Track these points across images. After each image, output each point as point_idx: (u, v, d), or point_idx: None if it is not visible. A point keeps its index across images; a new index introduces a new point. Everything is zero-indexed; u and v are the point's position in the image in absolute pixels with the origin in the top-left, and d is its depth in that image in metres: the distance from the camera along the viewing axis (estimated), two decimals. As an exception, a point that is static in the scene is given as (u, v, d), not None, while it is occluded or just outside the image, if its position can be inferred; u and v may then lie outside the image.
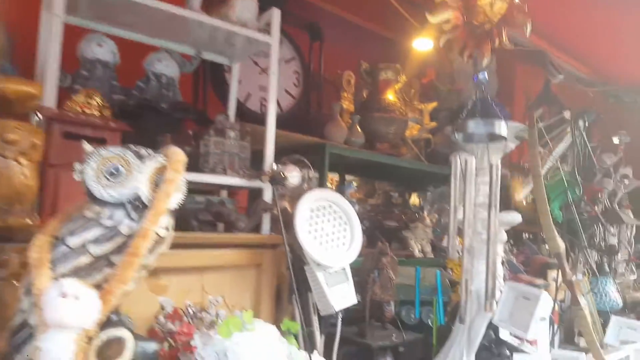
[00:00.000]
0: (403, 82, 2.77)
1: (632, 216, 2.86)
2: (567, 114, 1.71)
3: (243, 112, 2.22)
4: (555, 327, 2.23)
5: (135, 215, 0.92)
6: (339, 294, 1.66)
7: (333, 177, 3.23)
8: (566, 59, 3.96)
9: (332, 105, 2.40)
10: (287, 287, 1.83)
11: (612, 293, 2.61)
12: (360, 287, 1.93)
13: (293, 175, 1.70)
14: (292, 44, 2.38)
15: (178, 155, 0.95)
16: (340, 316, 1.65)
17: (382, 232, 2.59)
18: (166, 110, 1.60)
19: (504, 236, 1.79)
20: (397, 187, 3.30)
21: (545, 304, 1.33)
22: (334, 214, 1.73)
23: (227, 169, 1.75)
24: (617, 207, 3.11)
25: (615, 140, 3.31)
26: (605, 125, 3.79)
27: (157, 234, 0.92)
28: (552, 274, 2.21)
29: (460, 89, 3.09)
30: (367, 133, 2.55)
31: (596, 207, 2.85)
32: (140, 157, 0.94)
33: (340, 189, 2.59)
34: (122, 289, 0.88)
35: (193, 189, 1.87)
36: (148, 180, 0.93)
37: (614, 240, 2.74)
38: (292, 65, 2.40)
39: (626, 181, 3.11)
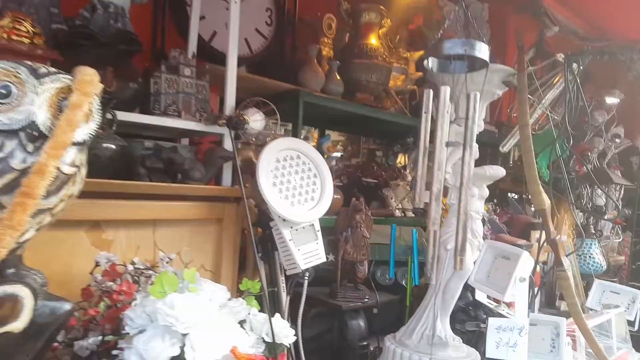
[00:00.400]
0: (388, 27, 2.55)
1: (621, 177, 2.74)
2: (560, 56, 1.53)
3: (208, 52, 2.00)
4: (536, 289, 2.14)
5: (32, 147, 0.73)
6: (306, 252, 1.51)
7: (314, 132, 3.05)
8: (561, 10, 3.74)
9: (308, 48, 2.18)
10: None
11: (597, 256, 2.52)
12: (333, 246, 1.79)
13: (255, 119, 1.52)
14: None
15: (87, 74, 0.76)
16: (306, 276, 1.51)
17: (361, 189, 2.43)
18: (106, 40, 1.39)
19: (485, 192, 1.64)
20: (382, 144, 3.14)
21: (525, 265, 1.20)
22: (303, 166, 1.56)
23: (182, 111, 1.56)
24: (606, 167, 2.99)
25: (610, 100, 3.15)
26: (597, 82, 3.65)
27: (60, 170, 0.74)
28: (536, 235, 2.09)
29: (450, 37, 2.87)
30: (346, 81, 2.34)
31: (584, 166, 2.72)
32: (37, 74, 0.74)
33: (318, 142, 2.41)
34: (14, 236, 0.70)
35: (148, 135, 1.68)
36: (48, 104, 0.74)
37: (601, 202, 2.62)
38: (263, 2, 2.16)
39: (617, 140, 2.97)
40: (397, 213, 2.44)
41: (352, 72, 2.35)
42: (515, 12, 3.50)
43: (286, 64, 2.21)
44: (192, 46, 1.82)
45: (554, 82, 1.57)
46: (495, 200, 2.48)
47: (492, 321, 1.20)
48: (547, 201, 1.49)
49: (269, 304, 1.66)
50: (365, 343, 1.77)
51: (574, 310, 1.50)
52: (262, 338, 1.27)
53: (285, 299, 1.56)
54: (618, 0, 3.56)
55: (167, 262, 1.37)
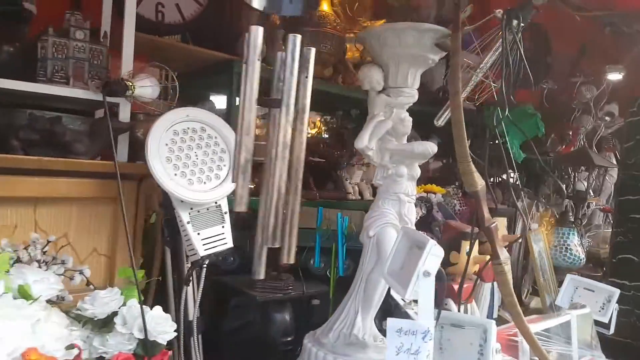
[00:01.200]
0: (347, -6, 2.33)
1: (614, 160, 2.47)
2: (498, 12, 1.30)
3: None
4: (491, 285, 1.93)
5: None
6: (208, 237, 1.34)
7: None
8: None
9: (248, 14, 1.98)
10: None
11: (575, 247, 2.28)
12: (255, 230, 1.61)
13: (143, 85, 1.33)
14: None
15: None
16: (205, 263, 1.33)
17: (313, 170, 2.23)
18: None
19: (416, 171, 1.43)
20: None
21: (432, 257, 1.00)
22: (208, 140, 1.37)
23: (71, 78, 1.38)
24: (594, 148, 2.73)
25: (612, 76, 2.86)
26: (595, 56, 3.34)
27: None
28: (493, 221, 1.87)
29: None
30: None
31: (563, 146, 2.47)
32: None
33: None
34: None
35: (37, 104, 1.51)
36: None
37: (581, 186, 2.37)
38: (198, -36, 1.97)
39: (607, 118, 2.70)
40: (352, 196, 2.25)
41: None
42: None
43: (224, 33, 2.01)
44: (107, 12, 1.63)
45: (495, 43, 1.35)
46: (457, 183, 2.25)
47: (391, 322, 1.01)
48: (479, 181, 1.28)
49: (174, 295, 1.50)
50: (289, 339, 1.60)
51: (512, 310, 1.29)
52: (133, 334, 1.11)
53: (184, 288, 1.38)
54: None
55: (38, 244, 1.21)
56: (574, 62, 3.62)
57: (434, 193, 2.17)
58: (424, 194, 1.95)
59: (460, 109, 1.28)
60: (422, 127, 2.95)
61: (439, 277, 1.02)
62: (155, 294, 1.50)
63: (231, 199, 1.42)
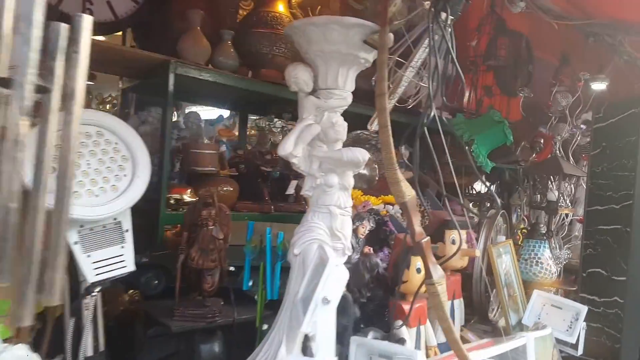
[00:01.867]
0: (301, -5, 2.21)
1: (575, 167, 2.34)
2: (426, 4, 1.17)
3: (56, 18, 1.68)
4: (457, 302, 1.78)
5: None
6: (101, 260, 1.19)
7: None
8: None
9: (189, 13, 1.85)
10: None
11: (546, 260, 2.13)
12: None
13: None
14: None
15: None
16: (94, 292, 1.19)
17: (268, 180, 2.10)
18: None
19: (348, 181, 1.30)
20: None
21: (333, 280, 0.86)
22: (106, 146, 1.24)
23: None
24: (570, 157, 2.60)
25: (596, 86, 2.74)
26: (578, 66, 3.23)
27: None
28: (452, 234, 1.73)
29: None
30: (244, 54, 2.01)
31: (534, 155, 2.34)
32: None
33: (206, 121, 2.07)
34: None
35: None
36: None
37: (553, 196, 2.23)
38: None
39: (583, 127, 2.57)
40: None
41: (250, 43, 2.01)
42: (475, -16, 3.10)
43: (165, 33, 1.88)
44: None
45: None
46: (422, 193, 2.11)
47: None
48: (408, 192, 1.14)
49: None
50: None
51: (449, 336, 1.15)
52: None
53: (68, 316, 1.22)
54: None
55: None
56: (556, 71, 3.52)
57: (392, 204, 2.03)
58: (375, 207, 1.81)
59: (385, 112, 1.15)
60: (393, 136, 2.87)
61: (343, 306, 0.88)
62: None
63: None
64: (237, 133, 2.44)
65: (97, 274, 1.17)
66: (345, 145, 2.42)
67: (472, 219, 1.90)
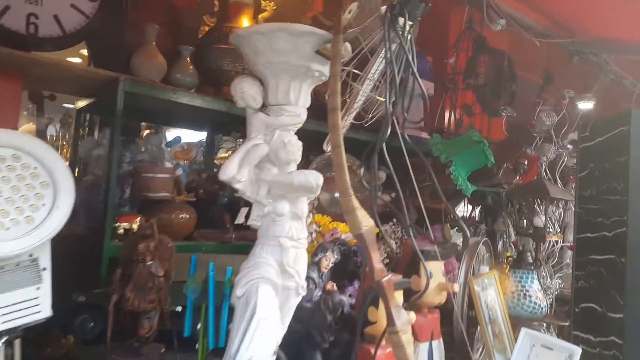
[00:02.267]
0: (272, 12, 2.08)
1: (563, 190, 2.19)
2: (382, 9, 1.03)
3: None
4: (435, 343, 1.60)
5: None
6: (10, 305, 1.02)
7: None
8: (514, 3, 3.25)
9: (144, 27, 1.72)
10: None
11: (535, 293, 1.96)
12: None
13: None
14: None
15: None
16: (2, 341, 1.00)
17: (229, 206, 1.93)
18: None
19: (301, 209, 1.13)
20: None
21: (259, 338, 0.69)
22: (23, 171, 1.07)
23: None
24: (558, 179, 2.45)
25: (583, 105, 2.65)
26: (562, 85, 3.14)
27: None
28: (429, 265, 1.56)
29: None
30: (205, 72, 1.88)
31: (518, 177, 2.19)
32: None
33: (156, 138, 1.90)
34: None
35: None
36: None
37: (539, 221, 2.08)
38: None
39: (570, 147, 2.44)
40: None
41: (211, 60, 1.88)
42: (455, 3, 3.01)
43: (116, 48, 1.74)
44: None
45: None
46: (394, 220, 1.96)
47: None
48: (365, 222, 0.98)
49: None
50: None
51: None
52: None
53: None
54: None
55: None
56: (540, 90, 3.43)
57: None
58: (344, 235, 1.64)
59: (338, 130, 0.99)
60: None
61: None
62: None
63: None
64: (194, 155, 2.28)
65: (4, 322, 0.99)
66: (317, 168, 2.30)
67: (456, 248, 1.73)
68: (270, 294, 1.06)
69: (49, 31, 1.64)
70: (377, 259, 1.00)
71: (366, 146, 1.15)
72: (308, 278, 1.43)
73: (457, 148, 2.07)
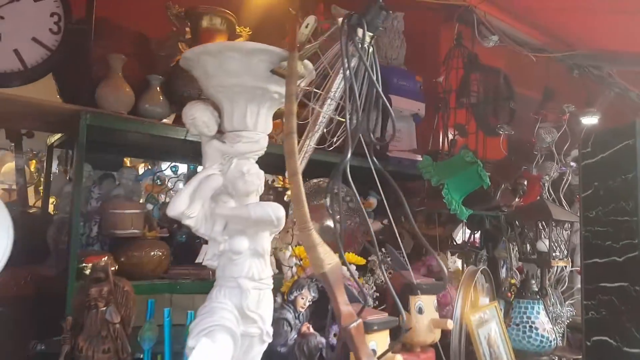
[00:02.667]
0: (246, 37, 2.01)
1: (567, 211, 2.05)
2: (339, 20, 0.93)
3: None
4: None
5: None
6: None
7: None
8: (507, 20, 3.17)
9: (109, 58, 1.64)
10: None
11: (543, 325, 1.80)
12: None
13: None
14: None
15: None
16: None
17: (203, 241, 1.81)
18: None
19: (261, 245, 1.01)
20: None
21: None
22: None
23: None
24: (562, 199, 2.31)
25: (587, 120, 2.53)
26: (563, 100, 3.02)
27: None
28: (417, 301, 1.42)
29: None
30: (176, 101, 1.79)
31: (517, 198, 2.05)
32: None
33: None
34: None
35: None
36: None
37: (543, 246, 1.93)
38: (47, 6, 1.65)
39: (574, 164, 2.30)
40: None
41: (183, 89, 1.79)
42: (445, 20, 2.93)
43: (80, 81, 1.66)
44: None
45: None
46: (383, 250, 1.82)
47: None
48: (329, 259, 0.86)
49: None
50: None
51: None
52: None
53: None
54: (575, 4, 2.97)
55: None
56: (539, 106, 3.31)
57: (356, 265, 1.74)
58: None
59: (294, 156, 0.88)
60: (359, 182, 2.60)
61: None
62: None
63: None
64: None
65: None
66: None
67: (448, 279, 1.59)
68: (223, 344, 0.93)
69: (9, 65, 1.57)
70: (344, 301, 0.87)
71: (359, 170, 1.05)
72: (282, 319, 1.30)
73: (449, 170, 1.95)
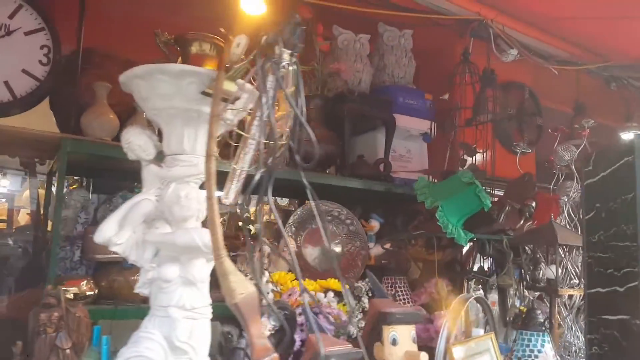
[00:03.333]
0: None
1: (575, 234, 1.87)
2: (263, 39, 0.89)
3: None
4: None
5: None
6: None
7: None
8: (531, 32, 3.03)
9: (94, 86, 1.69)
10: None
11: (546, 359, 1.64)
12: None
13: None
14: (37, 9, 1.71)
15: None
16: None
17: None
18: None
19: (194, 274, 0.96)
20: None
21: None
22: None
23: None
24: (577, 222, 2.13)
25: (626, 136, 2.37)
26: (596, 115, 2.83)
27: None
28: (391, 331, 1.33)
29: (339, 69, 2.28)
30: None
31: (522, 221, 1.91)
32: None
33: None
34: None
35: None
36: None
37: (551, 273, 1.77)
38: (38, 39, 1.72)
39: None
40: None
41: (170, 114, 1.80)
42: (460, 36, 2.83)
43: (73, 109, 1.72)
44: None
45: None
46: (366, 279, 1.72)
47: None
48: (241, 289, 0.80)
49: None
50: None
51: None
52: None
53: None
54: (605, 12, 2.81)
55: None
56: (571, 122, 3.12)
57: (334, 292, 1.66)
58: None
59: (212, 179, 0.85)
60: (362, 206, 2.52)
61: None
62: None
63: None
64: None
65: None
66: (299, 219, 2.12)
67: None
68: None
69: (-1, 96, 1.65)
70: (258, 334, 0.82)
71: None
72: (238, 349, 1.26)
73: (446, 191, 1.85)
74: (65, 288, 1.56)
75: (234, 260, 1.63)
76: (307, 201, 2.17)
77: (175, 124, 1.02)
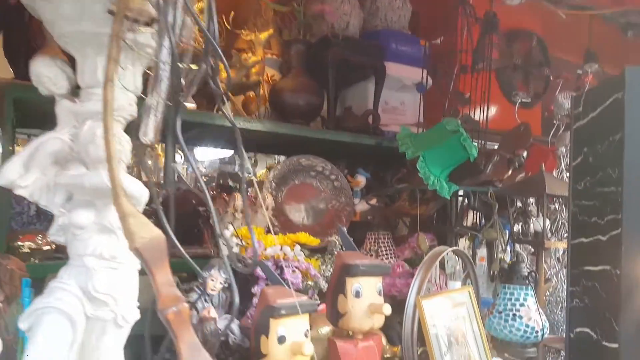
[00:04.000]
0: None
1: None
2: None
3: None
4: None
5: None
6: None
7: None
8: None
9: (43, 28, 1.57)
10: None
11: (529, 313, 1.55)
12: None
13: None
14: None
15: None
16: None
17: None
18: None
19: (106, 219, 0.87)
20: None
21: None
22: None
23: None
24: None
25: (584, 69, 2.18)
26: (608, 64, 2.63)
27: None
28: (354, 283, 1.24)
29: (323, 10, 2.11)
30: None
31: (511, 171, 1.77)
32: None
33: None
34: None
35: None
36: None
37: (538, 225, 1.65)
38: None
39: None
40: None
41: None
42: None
43: (23, 54, 1.61)
44: None
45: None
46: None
47: None
48: (143, 232, 0.71)
49: None
50: None
51: None
52: None
53: None
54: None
55: None
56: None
57: (308, 246, 1.58)
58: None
59: (109, 108, 0.74)
60: (348, 160, 2.40)
61: None
62: None
63: None
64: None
65: None
66: (280, 173, 2.02)
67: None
68: (54, 328, 0.82)
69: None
70: (164, 282, 0.73)
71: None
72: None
73: (429, 141, 1.71)
74: (20, 243, 1.52)
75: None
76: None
77: (88, 52, 0.91)
